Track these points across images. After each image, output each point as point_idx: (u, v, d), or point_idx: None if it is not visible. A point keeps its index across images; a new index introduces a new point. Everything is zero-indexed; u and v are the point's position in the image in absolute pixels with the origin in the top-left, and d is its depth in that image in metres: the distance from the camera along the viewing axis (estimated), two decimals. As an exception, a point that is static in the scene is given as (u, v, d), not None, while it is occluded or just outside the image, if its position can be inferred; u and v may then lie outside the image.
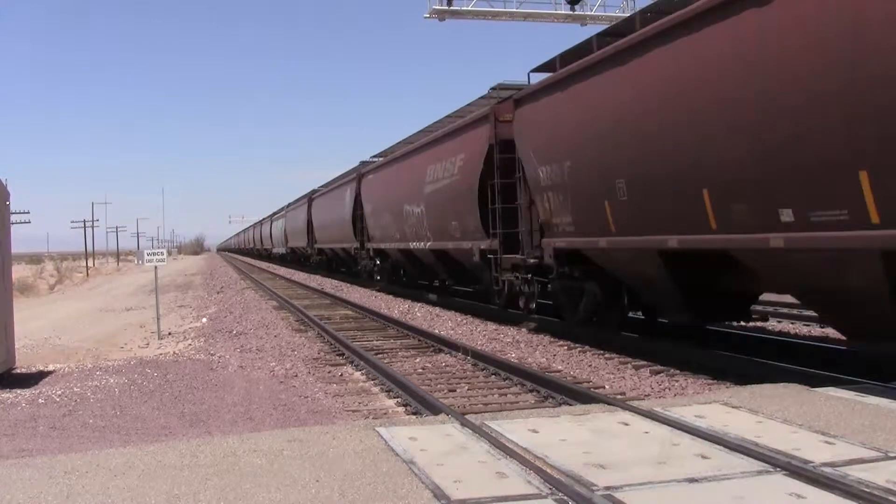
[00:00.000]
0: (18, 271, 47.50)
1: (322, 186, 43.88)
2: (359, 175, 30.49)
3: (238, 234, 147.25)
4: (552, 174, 12.87)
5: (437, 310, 20.09)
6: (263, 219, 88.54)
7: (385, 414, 8.95)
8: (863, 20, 6.91)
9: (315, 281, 37.59)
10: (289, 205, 59.40)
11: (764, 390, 7.38)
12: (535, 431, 6.17)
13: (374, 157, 31.25)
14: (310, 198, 44.88)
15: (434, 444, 5.90)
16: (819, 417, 6.22)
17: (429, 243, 20.73)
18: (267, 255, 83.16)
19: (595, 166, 11.53)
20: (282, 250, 63.77)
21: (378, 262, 28.38)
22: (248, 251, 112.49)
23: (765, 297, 13.88)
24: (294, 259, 58.04)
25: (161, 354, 14.44)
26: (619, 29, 11.64)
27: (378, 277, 28.91)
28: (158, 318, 18.71)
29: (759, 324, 13.85)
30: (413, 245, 22.36)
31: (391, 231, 24.88)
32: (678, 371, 10.28)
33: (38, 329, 21.02)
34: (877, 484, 4.58)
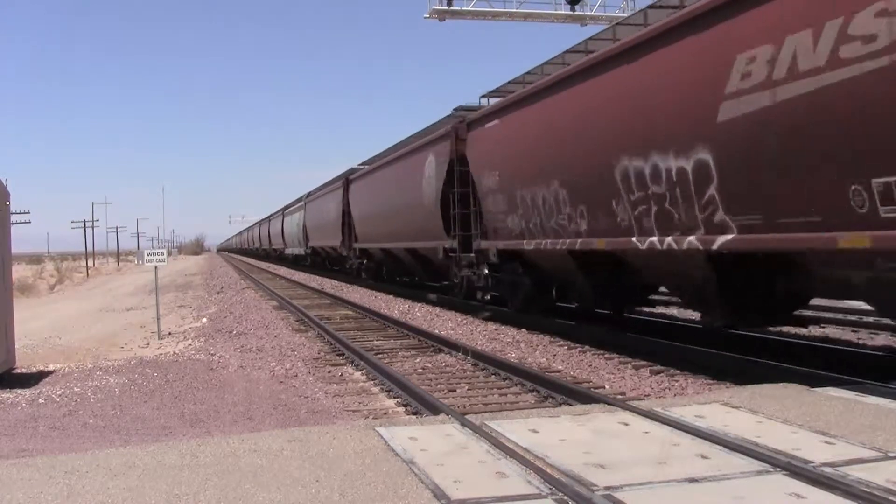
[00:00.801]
0: (18, 271, 47.50)
1: (365, 163, 32.22)
2: (455, 129, 17.99)
3: (240, 234, 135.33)
4: None
5: (437, 310, 20.08)
6: (273, 214, 74.02)
7: (385, 414, 8.95)
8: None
9: (315, 281, 37.49)
10: (309, 193, 46.75)
11: (764, 390, 7.38)
12: (535, 431, 6.17)
13: (490, 94, 17.65)
14: (347, 179, 33.01)
15: (434, 444, 5.90)
16: (819, 417, 6.22)
17: (722, 239, 9.11)
18: (278, 257, 70.40)
19: None
20: (298, 251, 51.44)
21: (489, 271, 16.67)
22: (253, 252, 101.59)
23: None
24: (318, 262, 46.36)
25: (161, 354, 14.44)
26: None
27: (485, 297, 17.69)
28: (158, 318, 18.71)
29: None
30: (660, 241, 10.25)
31: (551, 218, 13.28)
32: (678, 371, 10.27)
33: (38, 329, 21.02)
34: (877, 484, 4.58)
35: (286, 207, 60.65)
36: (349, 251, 33.13)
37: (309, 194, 46.64)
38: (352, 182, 32.14)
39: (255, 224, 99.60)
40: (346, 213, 32.64)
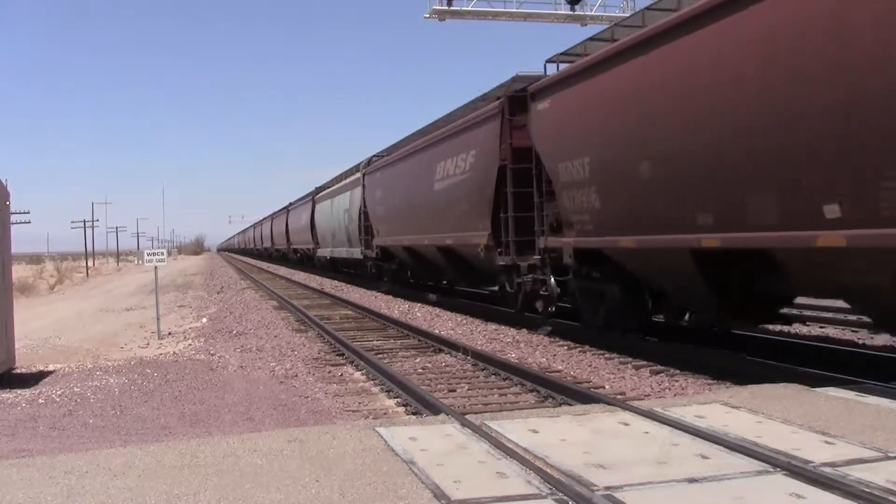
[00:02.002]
0: (18, 271, 47.51)
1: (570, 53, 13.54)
2: None
3: (244, 232, 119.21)
4: None
5: (437, 310, 20.07)
6: (293, 203, 55.06)
7: (385, 414, 8.95)
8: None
9: (315, 281, 37.26)
10: (372, 160, 28.12)
11: (764, 390, 7.38)
12: (535, 431, 6.17)
13: None
14: (519, 95, 14.43)
15: (434, 444, 5.90)
16: (819, 417, 6.22)
17: None
18: (299, 261, 52.90)
19: None
20: (348, 252, 32.13)
21: None
22: (259, 253, 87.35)
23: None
24: (388, 273, 26.81)
25: (161, 354, 14.44)
26: None
27: None
28: (158, 318, 18.71)
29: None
30: None
31: None
32: (678, 371, 10.27)
33: (38, 329, 21.02)
34: (877, 484, 4.58)
35: (318, 190, 42.46)
36: (514, 256, 14.85)
37: (371, 161, 28.18)
38: (539, 96, 13.60)
39: (267, 218, 77.99)
40: (517, 176, 14.57)
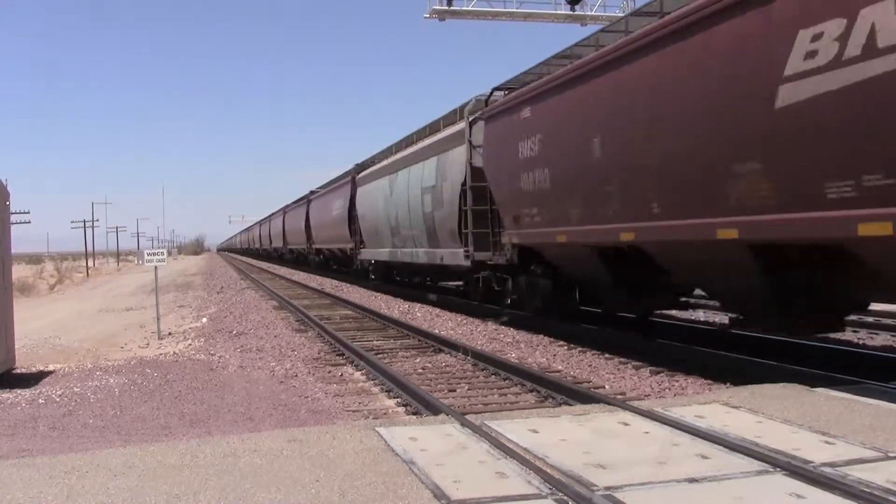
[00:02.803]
0: (18, 271, 47.50)
1: None
2: None
3: (248, 230, 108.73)
4: None
5: (437, 310, 20.07)
6: (315, 191, 44.50)
7: (385, 414, 8.95)
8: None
9: (315, 281, 37.25)
10: (493, 96, 15.98)
11: (764, 390, 7.38)
12: (535, 431, 6.17)
13: None
14: None
15: (434, 444, 5.90)
16: (819, 417, 6.22)
17: None
18: (322, 264, 43.57)
19: None
20: (423, 255, 21.40)
21: None
22: (265, 254, 79.70)
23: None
24: (545, 297, 14.47)
25: (161, 354, 14.44)
26: None
27: None
28: (158, 319, 18.71)
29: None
30: None
31: None
32: (678, 371, 10.27)
33: (38, 329, 21.02)
34: (877, 484, 4.58)
35: (360, 168, 31.67)
36: None
37: (489, 100, 16.28)
38: None
39: (277, 213, 66.25)
40: None
